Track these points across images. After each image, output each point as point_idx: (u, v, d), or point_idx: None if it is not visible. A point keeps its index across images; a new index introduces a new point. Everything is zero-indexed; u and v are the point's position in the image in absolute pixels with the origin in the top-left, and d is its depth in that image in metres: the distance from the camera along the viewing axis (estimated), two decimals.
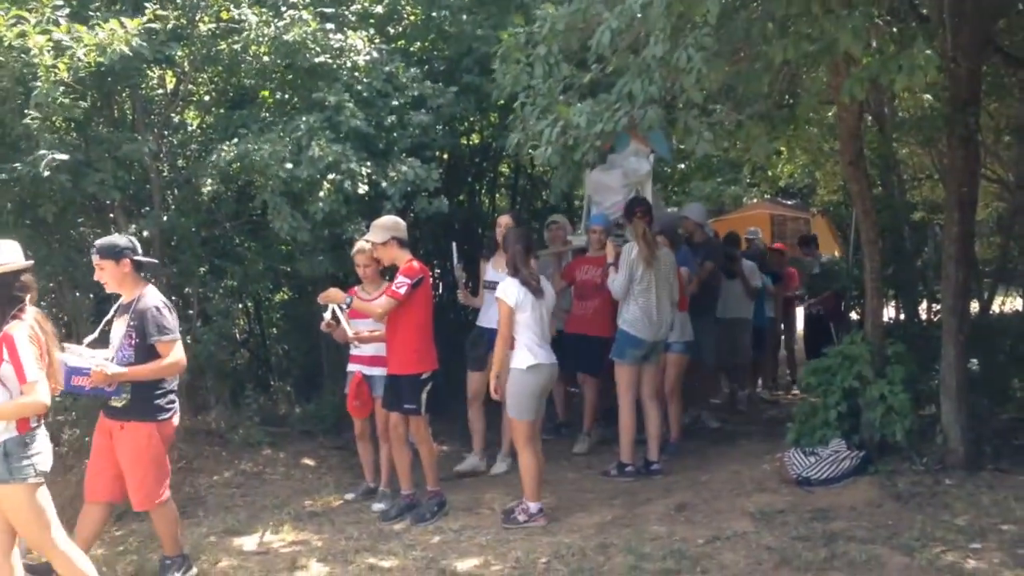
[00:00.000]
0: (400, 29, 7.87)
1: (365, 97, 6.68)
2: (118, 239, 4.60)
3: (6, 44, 5.68)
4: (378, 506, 5.87)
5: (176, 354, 4.52)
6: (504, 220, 6.40)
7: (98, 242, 4.58)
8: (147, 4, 6.16)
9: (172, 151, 7.10)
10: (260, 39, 6.43)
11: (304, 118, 6.35)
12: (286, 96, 7.14)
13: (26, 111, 5.80)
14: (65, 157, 5.75)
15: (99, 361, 4.36)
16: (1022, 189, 8.40)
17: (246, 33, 6.41)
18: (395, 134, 6.77)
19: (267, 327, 9.13)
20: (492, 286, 6.40)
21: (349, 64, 6.68)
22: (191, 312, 7.24)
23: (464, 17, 7.52)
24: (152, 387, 4.52)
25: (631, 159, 7.25)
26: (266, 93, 7.10)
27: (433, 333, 5.69)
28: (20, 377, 3.70)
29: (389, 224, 5.60)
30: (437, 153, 7.76)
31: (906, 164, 9.44)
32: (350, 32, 6.77)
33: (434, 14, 7.60)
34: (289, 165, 6.03)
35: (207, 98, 7.47)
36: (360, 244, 5.92)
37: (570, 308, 7.03)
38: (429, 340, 5.63)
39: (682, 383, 7.13)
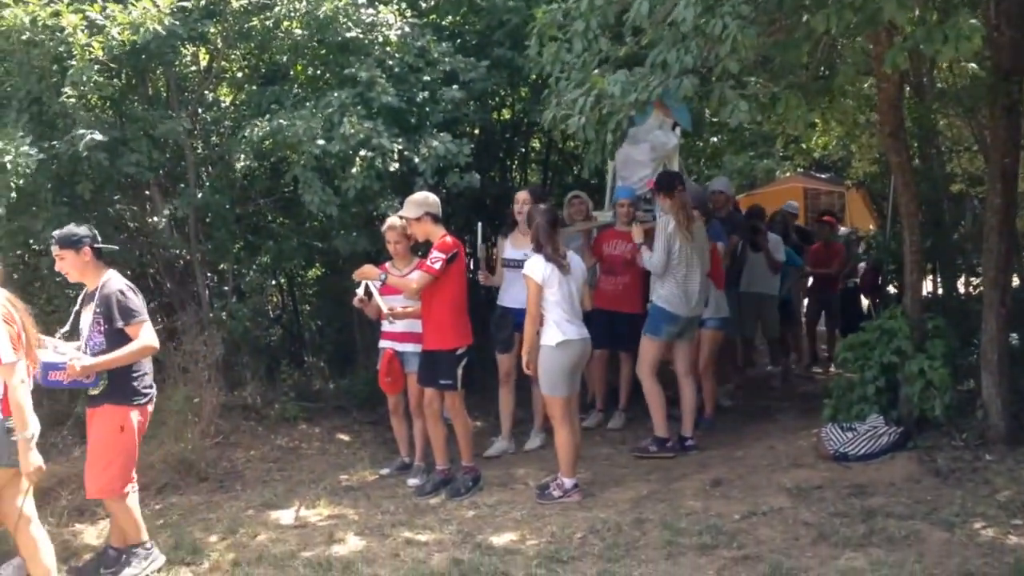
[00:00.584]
0: (431, 3, 7.82)
1: (397, 72, 6.66)
2: (76, 228, 4.51)
3: (40, 23, 5.72)
4: (413, 481, 5.90)
5: (145, 336, 4.45)
6: (522, 196, 6.34)
7: (56, 233, 4.52)
8: None
9: (206, 128, 7.13)
10: (292, 14, 6.44)
11: (336, 94, 6.35)
12: (318, 72, 7.15)
13: (62, 89, 5.84)
14: (103, 138, 5.80)
15: (72, 354, 4.35)
16: None
17: (278, 8, 6.43)
18: (427, 109, 6.74)
19: (300, 303, 9.18)
20: (510, 264, 6.38)
21: (380, 39, 6.65)
22: (226, 288, 7.31)
23: None
24: (127, 371, 4.47)
25: (657, 132, 7.15)
26: (299, 68, 7.10)
27: (467, 308, 5.68)
28: None
29: (423, 200, 5.59)
30: (468, 128, 7.72)
31: (944, 135, 9.26)
32: (381, 6, 6.74)
33: None
34: (321, 142, 6.04)
35: (240, 75, 7.50)
36: (391, 220, 5.92)
37: (596, 284, 6.96)
38: (464, 315, 5.63)
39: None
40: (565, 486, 5.38)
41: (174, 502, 5.65)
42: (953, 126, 9.00)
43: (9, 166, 5.43)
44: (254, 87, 7.06)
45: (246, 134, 6.21)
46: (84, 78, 5.71)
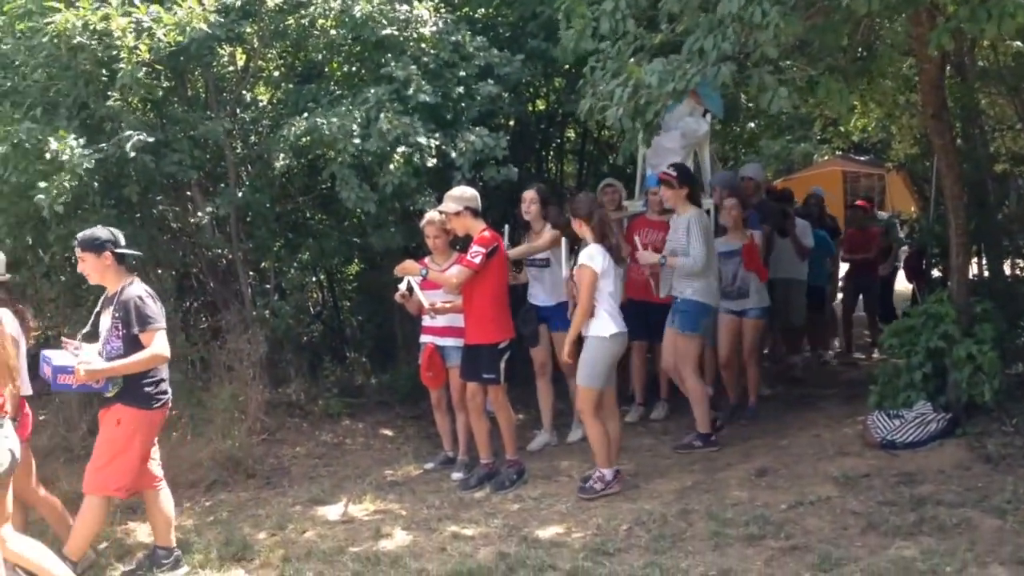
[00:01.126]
0: None
1: (432, 68, 6.67)
2: (99, 231, 4.51)
3: (91, 28, 5.79)
4: (457, 475, 5.93)
5: (158, 344, 4.42)
6: (529, 195, 6.28)
7: (79, 235, 4.54)
8: None
9: (244, 128, 7.20)
10: (327, 13, 6.47)
11: (372, 91, 6.36)
12: (354, 69, 7.17)
13: (109, 92, 5.92)
14: (151, 139, 5.88)
15: (82, 358, 4.35)
16: None
17: (313, 7, 6.46)
18: (462, 104, 6.75)
19: (340, 299, 9.25)
20: (534, 263, 6.39)
21: (415, 35, 6.66)
22: (268, 286, 7.38)
23: None
24: (141, 376, 4.45)
25: (688, 120, 7.09)
26: (334, 66, 7.14)
27: (508, 301, 5.69)
28: None
29: (461, 194, 5.60)
30: (504, 121, 7.72)
31: (987, 114, 9.08)
32: (416, 3, 6.75)
33: None
34: (358, 139, 6.06)
35: (276, 74, 7.55)
36: (430, 215, 5.93)
37: (625, 274, 6.83)
38: (505, 308, 5.65)
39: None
40: (606, 478, 5.36)
41: (223, 499, 5.73)
42: (996, 105, 8.83)
43: (67, 165, 5.53)
44: (291, 86, 7.11)
45: (284, 133, 6.25)
46: (133, 81, 5.78)
